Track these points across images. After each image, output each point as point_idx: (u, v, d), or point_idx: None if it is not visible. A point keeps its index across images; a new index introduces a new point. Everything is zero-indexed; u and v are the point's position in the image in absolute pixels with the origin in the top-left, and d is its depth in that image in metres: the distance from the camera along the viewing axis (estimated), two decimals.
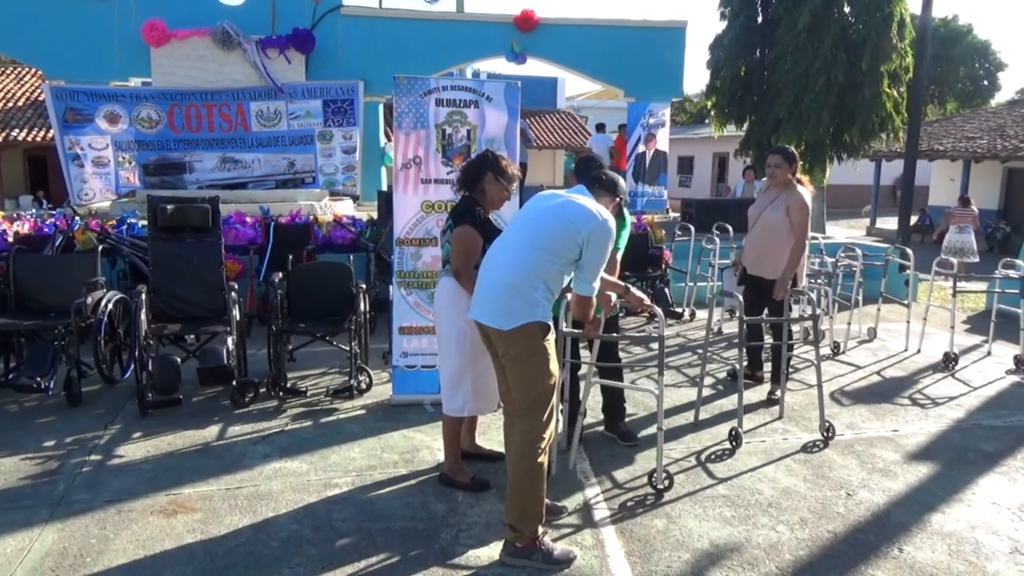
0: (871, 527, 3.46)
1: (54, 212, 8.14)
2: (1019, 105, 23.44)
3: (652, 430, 4.60)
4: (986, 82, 34.05)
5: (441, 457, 4.11)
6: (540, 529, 3.11)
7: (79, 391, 4.88)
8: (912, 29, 12.39)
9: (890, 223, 20.25)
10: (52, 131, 15.70)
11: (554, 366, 3.10)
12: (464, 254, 3.54)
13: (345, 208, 10.44)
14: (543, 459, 3.10)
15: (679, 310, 7.91)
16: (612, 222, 3.11)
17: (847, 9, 12.61)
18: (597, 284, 3.15)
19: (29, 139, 17.68)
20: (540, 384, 3.07)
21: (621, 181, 3.53)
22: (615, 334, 4.35)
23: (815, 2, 12.19)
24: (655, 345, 6.07)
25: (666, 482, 3.79)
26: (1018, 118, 20.85)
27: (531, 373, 3.06)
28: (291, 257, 6.02)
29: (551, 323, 3.11)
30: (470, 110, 5.05)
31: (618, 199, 3.47)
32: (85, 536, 3.27)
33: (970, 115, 24.18)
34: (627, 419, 4.55)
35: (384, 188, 12.26)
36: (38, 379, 4.75)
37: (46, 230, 6.98)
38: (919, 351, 6.65)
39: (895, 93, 12.46)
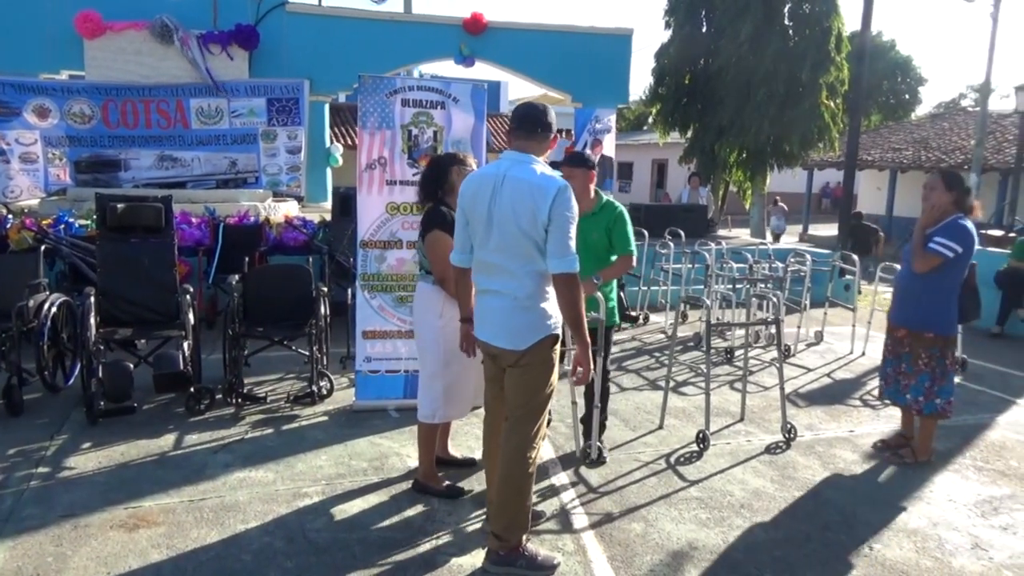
0: (840, 526, 3.56)
1: None
2: (940, 119, 24.68)
3: (620, 431, 4.65)
4: (907, 96, 35.69)
5: (411, 464, 4.05)
6: (524, 536, 3.08)
7: (20, 399, 4.60)
8: (847, 43, 12.91)
9: (820, 229, 21.05)
10: None
11: (555, 376, 3.06)
12: (442, 261, 3.47)
13: (289, 210, 10.19)
14: (533, 469, 3.06)
15: (634, 314, 8.00)
16: (560, 179, 2.93)
17: (787, 22, 13.04)
18: (575, 256, 2.85)
19: None
20: (540, 393, 3.02)
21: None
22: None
23: (757, 15, 12.59)
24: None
25: (598, 456, 4.02)
26: (939, 131, 21.96)
27: (534, 383, 3.00)
28: (247, 259, 5.82)
29: (560, 331, 3.06)
30: (436, 111, 4.99)
31: (555, 135, 3.13)
32: (40, 554, 3.07)
33: (895, 127, 25.33)
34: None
35: (329, 189, 12.05)
36: None
37: None
38: (864, 354, 6.89)
39: (832, 104, 12.95)
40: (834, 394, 5.72)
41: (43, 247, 5.78)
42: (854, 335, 7.10)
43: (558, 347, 3.05)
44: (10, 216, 6.91)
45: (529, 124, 3.00)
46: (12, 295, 4.75)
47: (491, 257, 2.96)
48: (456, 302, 3.37)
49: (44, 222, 7.01)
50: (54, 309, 4.87)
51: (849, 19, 15.73)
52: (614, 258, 4.11)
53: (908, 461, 4.32)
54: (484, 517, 3.40)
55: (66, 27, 10.28)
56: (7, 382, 4.59)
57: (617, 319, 4.27)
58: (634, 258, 4.12)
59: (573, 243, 2.85)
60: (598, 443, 4.21)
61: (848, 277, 8.32)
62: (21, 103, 10.09)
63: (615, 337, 5.67)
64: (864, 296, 8.79)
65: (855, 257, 7.54)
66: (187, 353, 4.70)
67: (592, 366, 3.04)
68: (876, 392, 5.70)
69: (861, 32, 9.90)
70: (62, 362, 5.16)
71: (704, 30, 14.12)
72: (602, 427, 4.32)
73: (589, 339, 2.96)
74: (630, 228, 4.11)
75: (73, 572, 2.95)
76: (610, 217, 4.05)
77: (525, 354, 2.93)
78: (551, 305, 2.96)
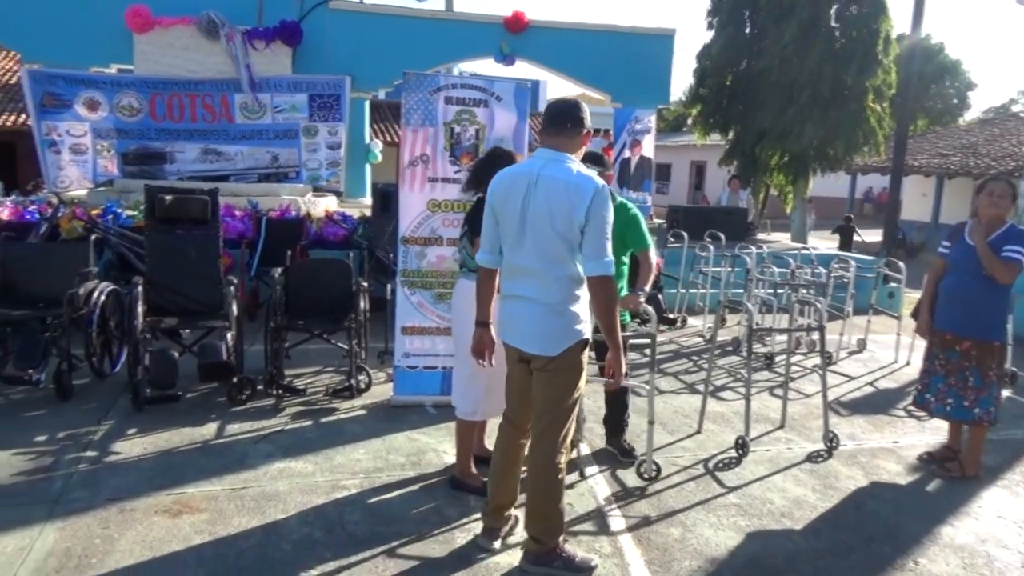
0: (884, 538, 3.48)
1: (34, 199, 7.90)
2: (990, 124, 24.05)
3: (657, 434, 4.61)
4: (956, 100, 34.88)
5: (448, 460, 4.06)
6: (560, 537, 3.07)
7: (70, 384, 4.72)
8: (896, 46, 12.63)
9: (863, 235, 20.63)
10: (23, 116, 15.38)
11: (583, 380, 3.04)
12: None
13: (329, 205, 10.31)
14: (563, 472, 3.04)
15: (672, 316, 7.93)
16: (598, 178, 2.87)
17: (834, 24, 12.80)
18: (611, 258, 2.82)
19: None
20: (570, 397, 2.99)
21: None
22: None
23: (802, 16, 12.37)
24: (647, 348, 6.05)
25: (654, 472, 3.86)
26: (989, 137, 21.39)
27: (564, 387, 2.97)
28: (289, 253, 5.89)
29: (591, 335, 3.03)
30: (479, 109, 4.99)
31: (589, 131, 3.02)
32: (88, 536, 3.15)
33: (943, 132, 24.75)
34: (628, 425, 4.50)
35: (368, 186, 12.15)
36: (29, 371, 4.58)
37: (28, 217, 6.76)
38: (908, 363, 6.74)
39: (878, 108, 12.68)
40: (877, 403, 5.61)
41: (93, 236, 5.92)
42: (899, 344, 6.94)
43: (587, 352, 3.01)
44: (62, 206, 7.08)
45: (559, 120, 2.93)
46: (63, 283, 4.86)
47: (523, 260, 2.90)
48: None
49: (93, 212, 7.19)
50: (103, 297, 4.99)
51: (898, 21, 15.40)
52: (626, 259, 4.11)
53: (955, 475, 4.21)
54: (484, 511, 3.30)
55: (116, 22, 10.49)
56: (57, 367, 4.72)
57: (628, 317, 4.23)
58: (653, 252, 4.09)
59: (610, 245, 2.80)
60: (625, 440, 4.31)
61: (893, 284, 8.14)
62: (72, 95, 10.33)
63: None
64: (909, 304, 8.60)
65: (901, 264, 7.37)
66: (230, 344, 4.78)
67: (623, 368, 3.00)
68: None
69: (911, 34, 9.68)
70: (109, 349, 5.28)
71: (747, 31, 13.93)
72: (624, 426, 4.35)
73: (621, 342, 2.93)
74: (645, 226, 4.11)
75: (120, 555, 3.02)
76: (623, 218, 4.03)
77: (557, 359, 2.91)
78: (582, 309, 2.92)
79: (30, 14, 10.46)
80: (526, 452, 3.16)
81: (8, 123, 17.12)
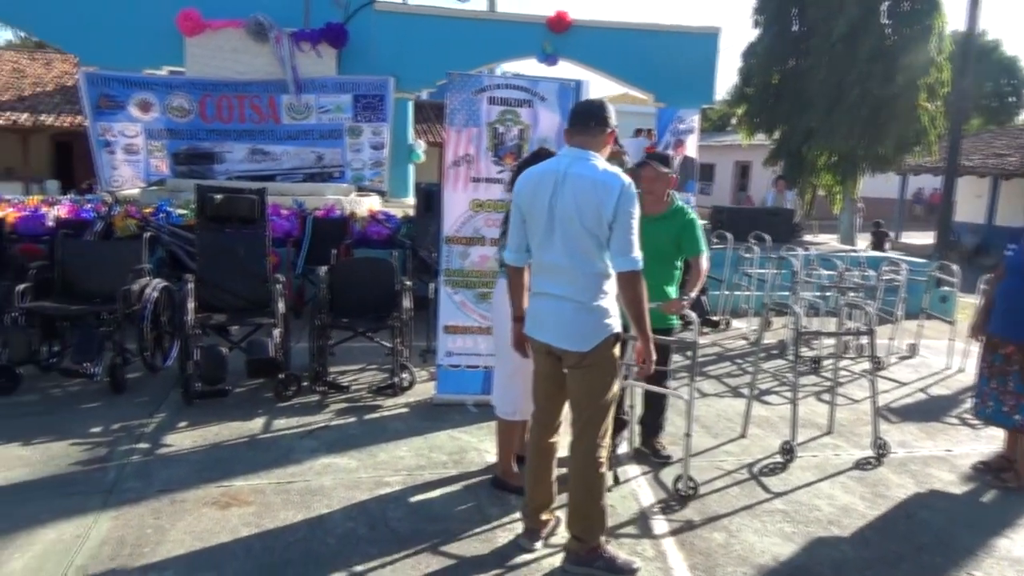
0: (936, 549, 3.39)
1: (90, 197, 8.14)
2: None
3: (700, 437, 4.56)
4: (1012, 99, 33.72)
5: (489, 459, 4.07)
6: (602, 538, 3.06)
7: (123, 378, 4.87)
8: (950, 43, 12.28)
9: (912, 237, 20.11)
10: (80, 117, 15.85)
11: (617, 375, 3.04)
12: None
13: (372, 204, 10.42)
14: (604, 469, 3.03)
15: (716, 319, 7.83)
16: (624, 175, 2.86)
17: (885, 20, 12.49)
18: (639, 253, 2.84)
19: (56, 124, 17.74)
20: (607, 393, 3.00)
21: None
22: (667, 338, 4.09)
23: (852, 12, 12.10)
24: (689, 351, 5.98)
25: (691, 490, 3.77)
26: None
27: (600, 382, 2.98)
28: (334, 252, 5.98)
29: (621, 329, 3.04)
30: (523, 109, 4.99)
31: (613, 131, 3.01)
32: (141, 526, 3.24)
33: (999, 132, 23.96)
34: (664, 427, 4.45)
35: (411, 185, 12.25)
36: (85, 364, 4.73)
37: (85, 215, 6.98)
38: (962, 369, 6.54)
39: (931, 107, 12.33)
40: (929, 410, 5.46)
41: (146, 234, 6.08)
42: (951, 349, 6.75)
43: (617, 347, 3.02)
44: (116, 205, 7.29)
45: (583, 119, 2.97)
46: (118, 279, 5.01)
47: (551, 258, 2.92)
48: None
49: (146, 211, 7.38)
50: (155, 293, 5.13)
51: (952, 18, 14.98)
52: (679, 263, 4.07)
53: (1011, 485, 4.07)
54: (523, 512, 3.30)
55: (168, 25, 10.76)
56: (112, 361, 4.86)
57: (675, 321, 4.16)
58: (705, 257, 4.04)
59: (637, 240, 2.83)
60: (660, 442, 4.31)
61: (946, 288, 7.91)
62: (126, 97, 10.62)
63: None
64: (963, 309, 8.36)
65: (955, 267, 7.16)
66: (277, 341, 4.86)
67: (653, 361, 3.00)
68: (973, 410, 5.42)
69: (965, 31, 9.39)
70: (161, 344, 5.43)
71: (795, 29, 13.67)
72: (660, 427, 4.33)
73: (652, 334, 2.96)
74: (701, 232, 4.06)
75: (171, 545, 3.10)
76: (680, 222, 4.00)
77: (589, 355, 2.92)
78: (611, 304, 2.95)
79: (87, 19, 10.79)
80: (562, 452, 3.16)
81: (66, 124, 17.71)
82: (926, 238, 17.45)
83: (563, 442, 3.22)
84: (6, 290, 5.01)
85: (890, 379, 6.20)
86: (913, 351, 7.04)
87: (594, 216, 2.81)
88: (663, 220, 3.99)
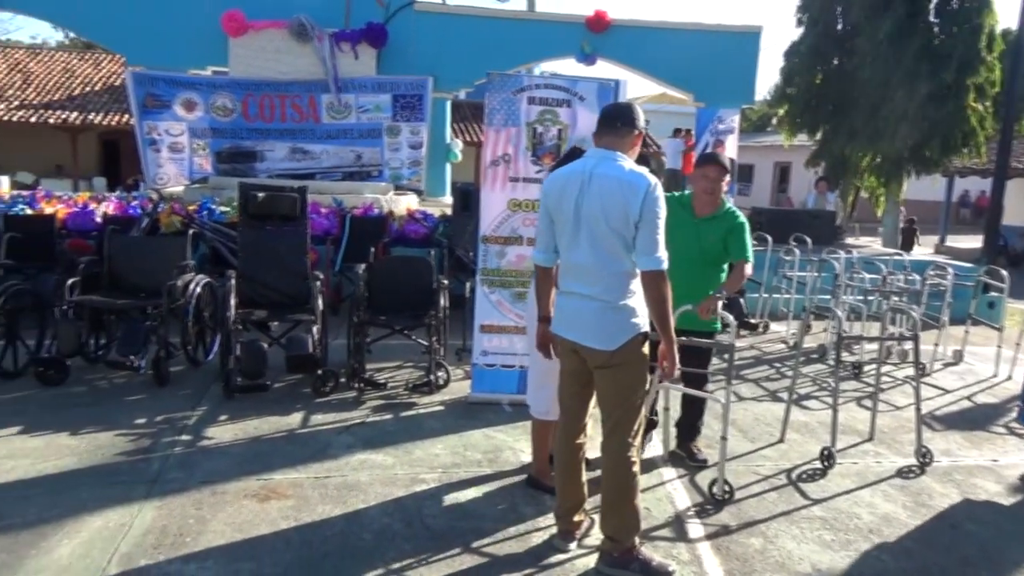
0: (982, 562, 3.30)
1: (137, 194, 8.34)
2: None
3: (737, 441, 4.51)
4: None
5: (524, 458, 4.07)
6: (637, 539, 3.04)
7: (167, 371, 4.98)
8: (1002, 42, 11.94)
9: (959, 241, 19.58)
10: (127, 116, 16.26)
11: (646, 374, 3.03)
12: None
13: (410, 203, 10.50)
14: (637, 468, 3.02)
15: (754, 321, 7.73)
16: (650, 175, 2.87)
17: (932, 19, 12.20)
18: (664, 253, 2.85)
19: (104, 123, 18.21)
20: (637, 391, 3.00)
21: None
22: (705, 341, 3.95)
23: (898, 11, 11.85)
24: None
25: (727, 494, 3.72)
26: None
27: (630, 381, 2.98)
28: (372, 250, 6.04)
29: (649, 328, 3.01)
30: (562, 109, 4.99)
31: (640, 132, 3.03)
32: (183, 516, 3.31)
33: None
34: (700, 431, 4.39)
35: (448, 185, 12.31)
36: (131, 357, 4.85)
37: (131, 211, 7.15)
38: (1010, 377, 6.36)
39: (980, 107, 12.01)
40: (975, 419, 5.32)
41: (190, 231, 6.20)
42: (999, 357, 6.57)
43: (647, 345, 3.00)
44: (161, 202, 7.46)
45: (611, 120, 3.00)
46: (163, 274, 5.13)
47: (578, 258, 2.94)
48: None
49: (190, 208, 7.54)
50: (199, 289, 5.24)
51: (1003, 16, 14.57)
52: (726, 266, 4.00)
53: None
54: (556, 514, 3.28)
55: (213, 25, 10.97)
56: (156, 354, 4.98)
57: (718, 325, 4.11)
58: (750, 265, 3.98)
59: (663, 240, 2.83)
60: (696, 445, 4.24)
61: (994, 294, 7.70)
62: (171, 96, 10.85)
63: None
64: (1011, 315, 8.13)
65: (1003, 272, 6.96)
66: (316, 337, 4.93)
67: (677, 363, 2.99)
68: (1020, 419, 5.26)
69: (1017, 29, 9.13)
70: (203, 339, 5.54)
71: (839, 28, 13.43)
72: (697, 431, 4.26)
73: (675, 336, 2.95)
74: (749, 236, 3.99)
75: (212, 535, 3.16)
76: (729, 224, 3.94)
77: (616, 354, 2.92)
78: (638, 303, 2.94)
79: (134, 20, 11.05)
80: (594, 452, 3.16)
81: (113, 123, 18.16)
82: (973, 242, 16.98)
83: (594, 443, 3.21)
84: (56, 284, 5.17)
85: (934, 386, 6.06)
86: (958, 358, 6.86)
87: (620, 216, 2.82)
88: (713, 221, 3.95)
